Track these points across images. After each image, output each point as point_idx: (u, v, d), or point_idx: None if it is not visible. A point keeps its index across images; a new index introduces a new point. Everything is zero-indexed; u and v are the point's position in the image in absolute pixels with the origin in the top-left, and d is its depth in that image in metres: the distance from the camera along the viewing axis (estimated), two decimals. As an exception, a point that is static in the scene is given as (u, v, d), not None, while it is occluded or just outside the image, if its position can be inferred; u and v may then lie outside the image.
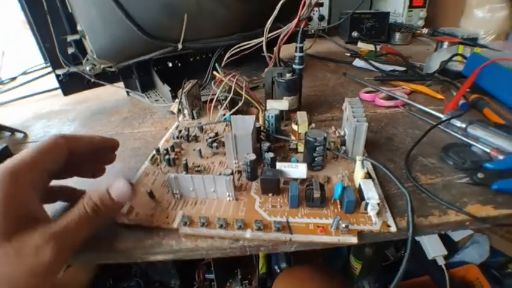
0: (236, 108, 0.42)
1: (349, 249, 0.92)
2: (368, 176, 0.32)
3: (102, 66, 0.54)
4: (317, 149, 0.33)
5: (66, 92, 0.60)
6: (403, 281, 0.27)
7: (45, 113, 0.65)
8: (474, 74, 0.52)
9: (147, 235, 0.30)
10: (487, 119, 0.47)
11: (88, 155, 0.32)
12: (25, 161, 0.25)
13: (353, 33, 0.98)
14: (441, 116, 0.46)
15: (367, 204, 0.29)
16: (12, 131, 0.55)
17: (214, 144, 0.40)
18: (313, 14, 0.98)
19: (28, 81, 0.86)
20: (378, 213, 0.29)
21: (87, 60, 0.53)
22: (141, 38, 0.48)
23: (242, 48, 0.46)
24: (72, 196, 0.32)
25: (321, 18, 0.99)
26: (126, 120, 0.56)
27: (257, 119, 0.42)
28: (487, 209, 0.31)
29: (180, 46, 0.51)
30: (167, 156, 0.38)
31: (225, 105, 0.43)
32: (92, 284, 0.78)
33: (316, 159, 0.34)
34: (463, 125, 0.43)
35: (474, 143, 0.40)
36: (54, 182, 0.31)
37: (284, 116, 0.47)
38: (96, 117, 0.59)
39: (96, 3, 0.46)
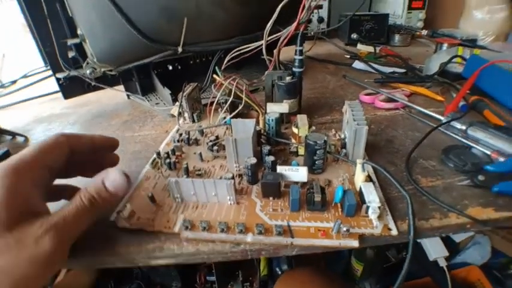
0: (236, 111, 0.43)
1: (351, 251, 0.92)
2: (369, 179, 0.32)
3: (102, 69, 0.54)
4: (317, 152, 0.33)
5: (67, 95, 0.60)
6: (404, 282, 0.27)
7: (46, 116, 0.65)
8: (474, 75, 0.52)
9: (149, 239, 0.30)
10: (487, 121, 0.47)
11: (89, 153, 0.32)
12: (27, 158, 0.26)
13: (352, 35, 0.98)
14: (441, 118, 0.46)
15: (368, 207, 0.29)
16: (13, 134, 0.55)
17: (215, 148, 0.40)
18: (313, 16, 0.98)
19: (29, 85, 0.87)
20: (379, 217, 0.29)
21: (88, 63, 0.53)
22: (141, 42, 0.48)
23: (242, 51, 0.46)
24: None
25: (320, 20, 0.99)
26: (126, 123, 0.56)
27: (257, 122, 0.42)
28: (488, 212, 0.31)
29: (180, 49, 0.51)
30: (168, 160, 0.38)
31: (225, 108, 0.43)
32: (93, 287, 0.78)
33: (316, 162, 0.34)
34: (463, 127, 0.43)
35: (474, 145, 0.40)
36: (58, 181, 0.31)
37: (284, 119, 0.47)
38: (96, 120, 0.59)
39: (96, 7, 0.46)
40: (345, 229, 0.27)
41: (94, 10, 0.46)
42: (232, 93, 0.42)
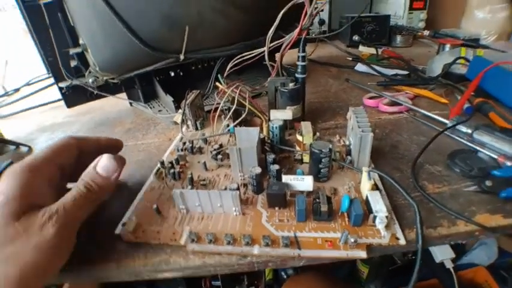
0: (240, 119, 0.42)
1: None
2: (375, 187, 0.32)
3: (104, 78, 0.54)
4: (323, 160, 0.33)
5: (69, 104, 0.60)
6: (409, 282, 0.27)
7: (49, 125, 0.65)
8: (478, 77, 0.52)
9: (154, 252, 0.29)
10: (492, 123, 0.46)
11: (96, 154, 0.33)
12: (41, 158, 0.29)
13: (354, 37, 0.97)
14: (446, 121, 0.46)
15: (375, 217, 0.28)
16: (17, 144, 0.55)
17: (219, 157, 0.40)
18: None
19: (32, 93, 0.87)
20: (386, 226, 0.28)
21: (90, 72, 0.54)
22: (143, 51, 0.48)
23: (244, 58, 0.46)
24: None
25: (322, 22, 0.99)
26: (129, 131, 0.56)
27: (261, 129, 0.41)
28: (496, 218, 0.30)
29: (182, 57, 0.51)
30: (172, 170, 0.38)
31: (228, 116, 0.43)
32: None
33: (322, 170, 0.34)
34: (469, 131, 0.43)
35: (481, 149, 0.40)
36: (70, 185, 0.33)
37: (288, 126, 0.46)
38: (99, 129, 0.59)
39: (98, 17, 0.46)
40: (352, 240, 0.27)
41: (95, 19, 0.46)
42: (235, 101, 0.42)
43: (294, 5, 0.41)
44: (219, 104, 0.44)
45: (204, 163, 0.39)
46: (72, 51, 0.52)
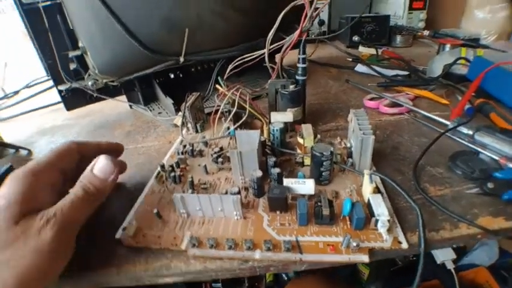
0: (240, 122, 0.42)
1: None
2: (377, 190, 0.31)
3: (104, 81, 0.54)
4: (324, 163, 0.33)
5: (69, 107, 0.60)
6: (412, 285, 0.27)
7: (49, 128, 0.65)
8: (479, 78, 0.52)
9: (155, 257, 0.29)
10: (493, 124, 0.46)
11: None
12: (43, 162, 0.30)
13: (354, 38, 0.97)
14: (447, 122, 0.46)
15: (377, 221, 0.28)
16: (17, 148, 0.55)
17: (220, 160, 0.40)
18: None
19: (31, 96, 0.87)
20: (389, 229, 0.28)
21: (89, 75, 0.53)
22: (143, 53, 0.48)
23: (244, 60, 0.46)
24: None
25: (321, 23, 0.99)
26: (129, 134, 0.56)
27: (261, 132, 0.41)
28: (498, 221, 0.30)
29: (181, 60, 0.51)
30: (173, 174, 0.38)
31: (229, 119, 0.43)
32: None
33: (323, 173, 0.34)
34: (470, 132, 0.42)
35: (482, 151, 0.39)
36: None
37: (289, 128, 0.46)
38: (99, 131, 0.59)
39: (97, 20, 0.46)
40: (354, 244, 0.27)
41: (95, 22, 0.46)
42: (236, 103, 0.42)
43: (294, 6, 0.41)
44: (220, 106, 0.44)
45: (205, 166, 0.39)
46: (71, 54, 0.52)
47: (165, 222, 0.32)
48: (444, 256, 0.76)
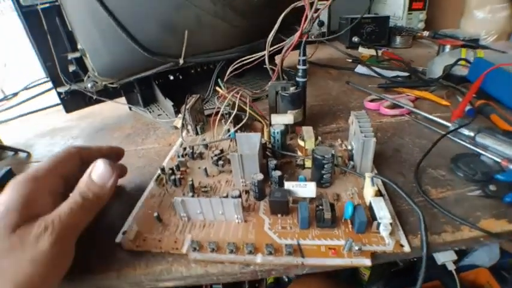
0: (240, 124, 0.42)
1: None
2: (378, 193, 0.31)
3: (103, 83, 0.54)
4: (325, 166, 0.33)
5: (68, 109, 0.59)
6: (414, 285, 0.27)
7: (48, 130, 0.64)
8: (479, 79, 0.51)
9: (156, 261, 0.29)
10: (494, 126, 0.46)
11: None
12: (44, 168, 0.30)
13: (353, 38, 0.97)
14: (448, 124, 0.46)
15: (379, 224, 0.28)
16: (16, 150, 0.55)
17: (220, 162, 0.39)
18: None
19: (30, 98, 0.86)
20: (391, 233, 0.28)
21: (89, 77, 0.53)
22: (142, 56, 0.48)
23: (244, 62, 0.46)
24: None
25: (321, 24, 0.99)
26: (129, 136, 0.56)
27: (262, 134, 0.41)
28: (501, 224, 0.30)
29: (181, 62, 0.50)
30: (173, 177, 0.37)
31: (229, 121, 0.43)
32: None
33: (324, 176, 0.34)
34: (471, 134, 0.42)
35: (483, 152, 0.39)
36: None
37: (289, 129, 0.46)
38: (99, 134, 0.59)
39: (96, 22, 0.45)
40: (357, 248, 0.26)
41: (94, 25, 0.46)
42: (236, 106, 0.42)
43: (294, 7, 0.40)
44: (220, 108, 0.44)
45: (205, 169, 0.39)
46: (70, 56, 0.52)
47: (165, 225, 0.32)
48: (445, 257, 0.76)
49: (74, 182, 0.31)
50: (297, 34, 0.41)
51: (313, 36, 0.95)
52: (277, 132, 0.39)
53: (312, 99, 0.62)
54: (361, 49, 0.94)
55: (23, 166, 0.50)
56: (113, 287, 0.29)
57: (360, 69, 0.77)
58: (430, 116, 0.49)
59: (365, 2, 1.21)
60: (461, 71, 0.61)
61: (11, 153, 0.55)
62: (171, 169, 0.39)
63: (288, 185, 0.32)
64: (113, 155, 0.38)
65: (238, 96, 0.42)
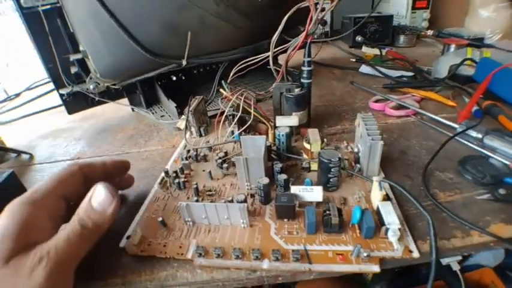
0: (245, 127, 0.41)
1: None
2: (386, 197, 0.31)
3: (105, 84, 0.53)
4: (332, 170, 0.32)
5: (70, 111, 0.59)
6: (418, 285, 0.27)
7: (51, 131, 0.64)
8: (487, 80, 0.51)
9: (161, 266, 0.29)
10: (502, 127, 0.45)
11: (103, 178, 0.32)
12: (42, 190, 0.28)
13: (357, 38, 0.96)
14: (455, 125, 0.45)
15: (387, 229, 0.28)
16: (18, 152, 0.55)
17: (225, 165, 0.39)
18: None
19: (33, 99, 0.86)
20: (399, 238, 0.28)
21: (91, 78, 0.53)
22: (145, 57, 0.47)
23: (248, 63, 0.45)
24: None
25: (324, 23, 0.98)
26: (132, 138, 0.55)
27: (267, 136, 0.41)
28: (511, 229, 0.29)
29: (184, 63, 0.50)
30: (177, 180, 0.37)
31: (233, 123, 0.42)
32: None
33: (331, 180, 0.33)
34: (479, 135, 0.42)
35: (492, 155, 0.39)
36: None
37: (294, 131, 0.45)
38: (101, 135, 0.59)
39: (98, 24, 0.45)
40: (365, 254, 0.26)
41: (95, 26, 0.45)
42: (241, 108, 0.41)
43: (298, 8, 0.40)
44: (223, 109, 0.43)
45: (209, 172, 0.38)
46: (72, 57, 0.52)
47: (170, 230, 0.31)
48: (449, 257, 0.75)
49: (77, 200, 0.29)
50: (303, 35, 0.40)
51: (315, 36, 0.94)
52: (283, 135, 0.39)
53: (317, 99, 0.61)
54: (364, 48, 0.93)
55: (25, 168, 0.50)
56: (118, 293, 0.29)
57: (364, 69, 0.76)
58: (437, 117, 0.49)
59: (367, 0, 1.20)
60: (467, 70, 0.61)
61: (13, 155, 0.55)
62: (175, 172, 0.39)
63: (294, 189, 0.31)
64: (118, 170, 0.36)
65: (243, 98, 0.41)
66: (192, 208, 0.30)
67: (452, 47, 0.79)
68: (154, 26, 0.46)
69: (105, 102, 0.59)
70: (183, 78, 0.69)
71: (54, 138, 0.61)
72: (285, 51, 0.46)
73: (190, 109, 0.46)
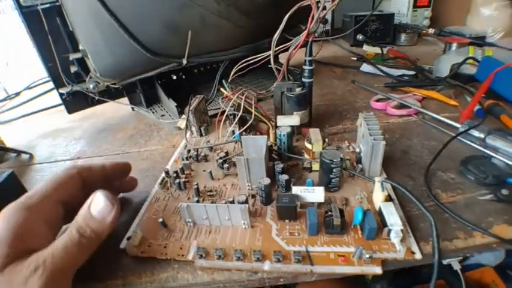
0: (246, 126, 0.41)
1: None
2: (388, 198, 0.30)
3: (105, 83, 0.53)
4: (334, 170, 0.32)
5: (70, 110, 0.59)
6: (417, 286, 0.26)
7: (50, 131, 0.64)
8: (489, 79, 0.50)
9: (161, 268, 0.29)
10: (505, 127, 0.45)
11: (102, 182, 0.32)
12: (39, 195, 0.27)
13: (358, 36, 0.96)
14: (457, 125, 0.45)
15: (389, 230, 0.27)
16: (18, 152, 0.54)
17: (226, 165, 0.39)
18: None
19: (32, 98, 0.86)
20: (401, 239, 0.27)
21: (91, 78, 0.53)
22: (145, 56, 0.47)
23: (249, 62, 0.45)
24: None
25: (325, 21, 0.98)
26: (132, 137, 0.55)
27: (268, 136, 0.40)
28: (514, 230, 0.29)
29: (184, 62, 0.50)
30: (177, 180, 0.37)
31: (234, 123, 0.42)
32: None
33: (332, 180, 0.33)
34: (482, 135, 0.41)
35: (494, 155, 0.38)
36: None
37: (295, 131, 0.45)
38: (101, 135, 0.58)
39: (98, 23, 0.45)
40: (367, 256, 0.26)
41: (95, 25, 0.45)
42: (241, 108, 0.41)
43: (299, 6, 0.40)
44: (224, 108, 0.43)
45: (210, 172, 0.38)
46: (72, 56, 0.52)
47: (170, 231, 0.31)
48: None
49: (75, 205, 0.28)
50: (304, 33, 0.40)
51: (316, 34, 0.94)
52: (284, 135, 0.39)
53: (318, 99, 0.61)
54: (365, 47, 0.93)
55: (25, 168, 0.50)
56: (118, 294, 0.28)
57: (365, 67, 0.75)
58: (438, 117, 0.48)
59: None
60: (469, 69, 0.60)
61: (13, 154, 0.54)
62: (176, 172, 0.39)
63: (295, 189, 0.31)
64: (118, 173, 0.35)
65: (244, 97, 0.41)
66: (192, 209, 0.30)
67: (454, 46, 0.78)
68: (155, 25, 0.46)
69: (105, 102, 0.59)
70: (184, 77, 0.69)
71: (54, 137, 0.60)
72: (286, 50, 0.45)
73: (191, 108, 0.46)
